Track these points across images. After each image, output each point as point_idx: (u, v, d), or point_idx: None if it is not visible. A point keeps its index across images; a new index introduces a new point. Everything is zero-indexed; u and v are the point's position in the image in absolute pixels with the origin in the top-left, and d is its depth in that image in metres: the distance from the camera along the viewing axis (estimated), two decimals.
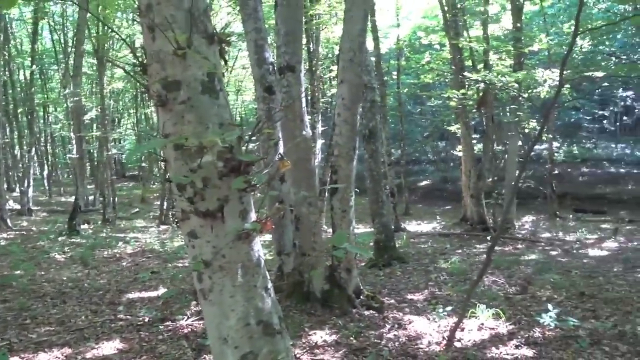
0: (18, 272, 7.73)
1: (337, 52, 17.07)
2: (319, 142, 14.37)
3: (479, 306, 5.01)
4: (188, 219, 1.52)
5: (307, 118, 5.44)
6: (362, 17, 5.18)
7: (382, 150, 8.70)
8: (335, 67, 14.39)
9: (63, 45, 21.93)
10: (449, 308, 5.19)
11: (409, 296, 6.04)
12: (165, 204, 15.22)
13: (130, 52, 22.50)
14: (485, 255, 5.17)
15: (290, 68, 5.27)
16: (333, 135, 5.90)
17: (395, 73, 21.22)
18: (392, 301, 5.78)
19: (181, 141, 1.38)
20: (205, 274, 1.54)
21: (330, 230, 8.10)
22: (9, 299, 6.24)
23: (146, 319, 5.35)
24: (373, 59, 12.25)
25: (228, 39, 1.66)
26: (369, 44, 11.79)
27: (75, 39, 14.75)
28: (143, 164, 28.74)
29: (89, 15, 13.45)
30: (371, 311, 5.28)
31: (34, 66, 20.31)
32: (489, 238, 10.41)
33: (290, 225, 5.60)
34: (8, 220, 13.85)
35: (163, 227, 14.41)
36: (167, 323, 5.18)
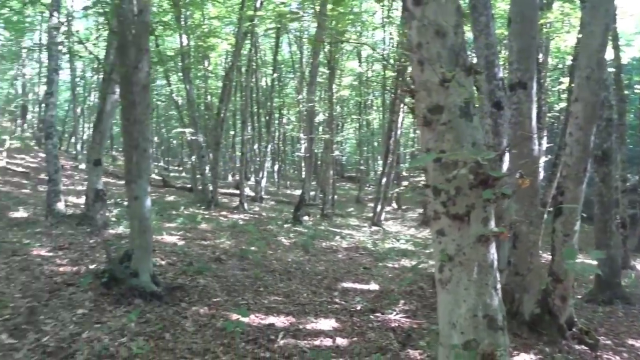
0: (253, 248, 9.11)
1: (568, 63, 15.90)
2: (543, 159, 13.52)
3: None
4: (439, 219, 1.84)
5: (535, 135, 5.36)
6: (603, 32, 4.92)
7: (616, 175, 7.91)
8: (565, 79, 13.41)
9: (299, 56, 24.67)
10: None
11: (630, 341, 5.46)
12: (379, 206, 15.96)
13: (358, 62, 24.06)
14: None
15: (521, 85, 5.26)
16: (562, 155, 5.68)
17: (638, 87, 18.73)
18: (609, 342, 5.32)
19: (444, 156, 1.70)
20: (447, 267, 1.85)
21: (546, 255, 7.73)
22: (247, 269, 7.47)
23: (358, 307, 5.92)
24: (612, 70, 11.06)
25: (480, 70, 1.93)
26: (608, 54, 10.71)
27: (313, 51, 16.50)
28: (361, 167, 30.54)
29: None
30: (583, 347, 4.96)
31: (275, 74, 23.30)
32: None
33: (507, 241, 5.58)
34: (245, 205, 16.28)
35: (375, 228, 15.20)
36: (377, 314, 5.66)
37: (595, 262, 7.19)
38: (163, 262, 7.13)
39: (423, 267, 8.43)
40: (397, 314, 5.68)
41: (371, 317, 5.57)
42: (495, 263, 1.88)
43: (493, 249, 1.87)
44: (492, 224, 1.86)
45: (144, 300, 5.16)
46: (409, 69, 14.44)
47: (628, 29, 18.67)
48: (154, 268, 5.97)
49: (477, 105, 1.87)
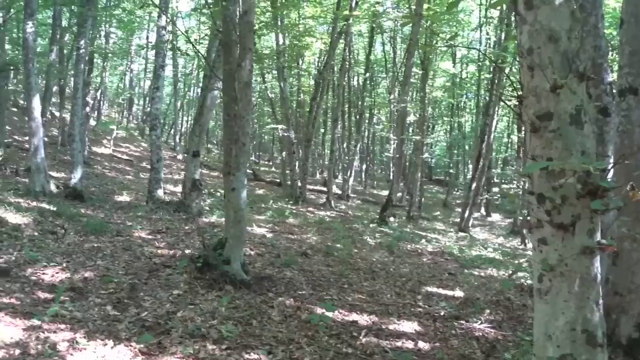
0: (338, 245, 9.24)
1: None
2: None
3: None
4: (542, 227, 1.81)
5: None
6: None
7: None
8: None
9: (392, 56, 24.54)
10: None
11: None
12: (467, 212, 15.53)
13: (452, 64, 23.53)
14: None
15: (632, 90, 4.90)
16: None
17: None
18: None
19: (552, 165, 1.67)
20: (547, 277, 1.81)
21: None
22: (332, 265, 7.60)
23: (442, 313, 5.83)
24: None
25: (594, 76, 1.87)
26: None
27: (407, 51, 16.35)
28: (450, 170, 29.84)
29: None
30: None
31: (367, 74, 23.34)
32: None
33: (606, 257, 5.24)
34: (332, 202, 16.50)
35: (461, 234, 14.82)
36: (461, 322, 5.54)
37: None
38: (252, 253, 7.45)
39: (517, 277, 8.12)
40: (481, 323, 5.52)
41: (455, 324, 5.46)
42: (599, 277, 1.81)
43: (597, 263, 1.80)
44: (598, 235, 1.79)
45: (234, 287, 5.43)
46: (507, 70, 13.95)
47: None
48: (244, 257, 6.27)
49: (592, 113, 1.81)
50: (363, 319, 5.26)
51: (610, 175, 5.19)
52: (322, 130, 27.41)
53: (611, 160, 5.19)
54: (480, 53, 16.29)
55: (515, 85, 1.97)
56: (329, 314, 5.03)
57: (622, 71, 5.13)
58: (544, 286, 1.82)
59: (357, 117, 22.64)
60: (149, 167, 12.94)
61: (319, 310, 5.13)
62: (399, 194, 20.53)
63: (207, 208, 11.04)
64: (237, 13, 6.16)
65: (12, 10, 15.19)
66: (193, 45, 7.85)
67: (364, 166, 28.44)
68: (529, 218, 1.86)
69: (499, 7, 16.07)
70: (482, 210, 22.74)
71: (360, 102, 22.83)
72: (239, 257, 5.80)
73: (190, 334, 4.16)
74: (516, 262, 10.40)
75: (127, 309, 4.64)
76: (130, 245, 7.10)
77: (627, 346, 4.88)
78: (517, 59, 1.99)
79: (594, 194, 1.65)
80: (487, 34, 20.05)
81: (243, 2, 6.04)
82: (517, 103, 1.90)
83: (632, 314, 4.93)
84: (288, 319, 4.87)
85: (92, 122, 23.98)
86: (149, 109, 17.99)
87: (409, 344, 4.69)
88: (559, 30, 1.82)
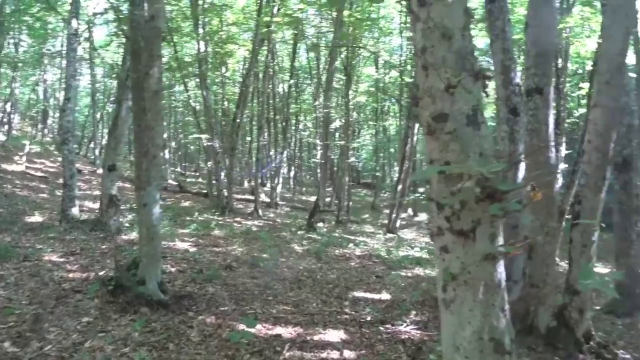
0: (265, 255, 9.04)
1: (588, 68, 15.59)
2: (561, 167, 13.24)
3: None
4: (442, 235, 1.72)
5: (553, 143, 5.20)
6: (623, 35, 4.76)
7: (637, 182, 7.66)
8: (584, 85, 13.13)
9: (316, 63, 24.66)
10: None
11: None
12: (394, 213, 15.79)
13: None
14: None
15: (538, 90, 5.11)
16: (580, 163, 5.49)
17: None
18: (627, 356, 5.10)
19: (447, 169, 1.59)
20: (450, 286, 1.72)
21: (563, 263, 7.50)
22: (257, 277, 7.38)
23: (368, 318, 5.78)
24: (633, 75, 10.77)
25: (489, 74, 1.82)
26: (629, 59, 10.37)
27: (329, 57, 16.45)
28: (377, 173, 30.36)
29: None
30: None
31: (292, 80, 23.28)
32: None
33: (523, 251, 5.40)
34: (260, 211, 16.23)
35: (390, 235, 15.02)
36: (387, 325, 5.51)
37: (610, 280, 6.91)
38: (173, 269, 7.09)
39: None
40: (407, 325, 5.52)
41: (381, 328, 5.43)
42: (503, 283, 1.75)
43: (501, 268, 1.74)
44: (501, 240, 1.73)
45: (150, 308, 5.10)
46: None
47: None
48: (163, 275, 5.92)
49: (494, 112, 1.75)
50: (287, 332, 5.10)
51: (521, 174, 5.38)
52: (249, 139, 27.04)
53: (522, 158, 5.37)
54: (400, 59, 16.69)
55: (410, 86, 1.89)
56: (251, 330, 4.82)
57: (529, 72, 5.33)
58: (449, 296, 1.74)
59: (284, 123, 22.50)
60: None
61: (241, 327, 4.91)
62: (328, 199, 20.58)
63: (126, 225, 10.44)
64: (145, 18, 5.83)
65: None
66: (99, 53, 7.37)
67: (292, 173, 28.33)
68: (430, 225, 1.77)
69: None
70: (410, 211, 23.28)
71: (285, 109, 22.71)
72: (155, 276, 5.46)
73: None
74: None
75: (29, 343, 4.20)
76: (39, 271, 6.52)
77: (546, 335, 5.05)
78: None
79: (493, 197, 1.59)
80: (408, 39, 20.60)
81: (149, 6, 5.72)
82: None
83: (548, 304, 5.11)
84: (208, 339, 4.62)
85: (2, 137, 22.27)
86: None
87: (334, 354, 4.58)
88: (452, 28, 1.76)
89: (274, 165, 16.04)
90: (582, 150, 5.19)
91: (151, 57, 5.54)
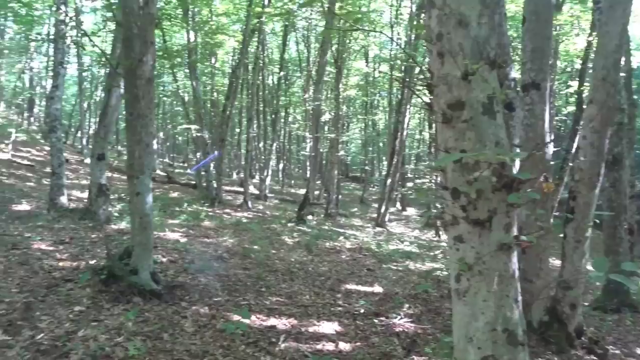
0: (256, 247, 8.99)
1: (577, 66, 15.69)
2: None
3: None
4: (457, 224, 1.71)
5: (548, 137, 5.22)
6: (619, 32, 4.78)
7: (626, 180, 7.75)
8: (573, 82, 13.23)
9: (306, 55, 24.54)
10: None
11: (639, 351, 5.32)
12: (383, 207, 15.81)
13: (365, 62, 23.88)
14: None
15: (535, 85, 5.12)
16: (574, 159, 5.52)
17: None
18: (617, 352, 5.16)
19: (465, 156, 1.56)
20: (464, 276, 1.71)
21: (554, 259, 7.57)
22: (249, 268, 7.34)
23: (362, 310, 5.78)
24: (622, 74, 10.86)
25: (505, 64, 1.80)
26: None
27: (320, 50, 16.37)
28: (366, 167, 30.41)
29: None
30: (592, 356, 4.81)
31: (281, 72, 23.15)
32: None
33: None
34: (249, 203, 16.16)
35: (379, 229, 15.05)
36: (381, 318, 5.52)
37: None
38: (164, 260, 7.02)
39: (432, 270, 8.29)
40: (401, 318, 5.54)
41: (375, 321, 5.43)
42: (517, 273, 1.74)
43: (515, 258, 1.73)
44: (515, 230, 1.72)
45: (143, 298, 5.04)
46: (417, 69, 14.37)
47: (639, 34, 18.42)
48: (155, 265, 5.85)
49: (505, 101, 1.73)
50: (282, 323, 5.08)
51: (514, 170, 5.40)
52: (238, 130, 26.87)
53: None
54: (391, 53, 16.66)
55: (425, 73, 1.86)
56: (246, 321, 4.79)
57: (525, 67, 5.33)
58: (462, 286, 1.72)
59: (273, 116, 22.39)
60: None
61: (235, 318, 4.87)
62: (317, 192, 20.55)
63: (116, 214, 10.32)
64: (139, 4, 5.72)
65: None
66: (91, 39, 7.25)
67: (281, 165, 28.24)
68: (443, 214, 1.75)
69: (407, 7, 16.51)
70: (398, 205, 23.36)
71: (275, 101, 22.58)
72: (148, 266, 5.39)
73: (92, 355, 3.76)
74: (431, 254, 10.69)
75: (20, 332, 4.12)
76: (28, 259, 6.40)
77: (538, 330, 5.08)
78: (425, 46, 1.89)
79: (510, 186, 1.57)
80: (398, 34, 20.58)
81: None
82: (427, 93, 1.79)
83: (541, 298, 5.14)
84: (202, 329, 4.58)
85: None
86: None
87: (330, 346, 4.57)
88: (469, 15, 1.73)
89: (212, 157, 15.82)
90: (578, 146, 5.22)
91: (145, 44, 5.45)
